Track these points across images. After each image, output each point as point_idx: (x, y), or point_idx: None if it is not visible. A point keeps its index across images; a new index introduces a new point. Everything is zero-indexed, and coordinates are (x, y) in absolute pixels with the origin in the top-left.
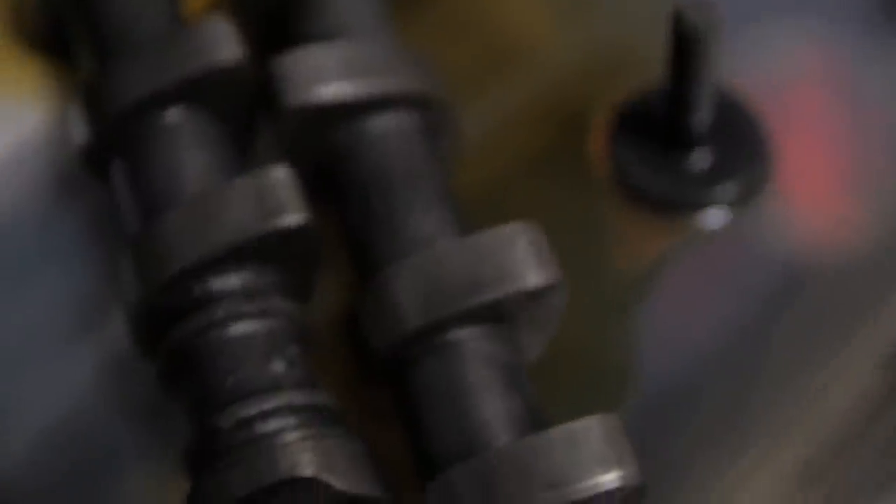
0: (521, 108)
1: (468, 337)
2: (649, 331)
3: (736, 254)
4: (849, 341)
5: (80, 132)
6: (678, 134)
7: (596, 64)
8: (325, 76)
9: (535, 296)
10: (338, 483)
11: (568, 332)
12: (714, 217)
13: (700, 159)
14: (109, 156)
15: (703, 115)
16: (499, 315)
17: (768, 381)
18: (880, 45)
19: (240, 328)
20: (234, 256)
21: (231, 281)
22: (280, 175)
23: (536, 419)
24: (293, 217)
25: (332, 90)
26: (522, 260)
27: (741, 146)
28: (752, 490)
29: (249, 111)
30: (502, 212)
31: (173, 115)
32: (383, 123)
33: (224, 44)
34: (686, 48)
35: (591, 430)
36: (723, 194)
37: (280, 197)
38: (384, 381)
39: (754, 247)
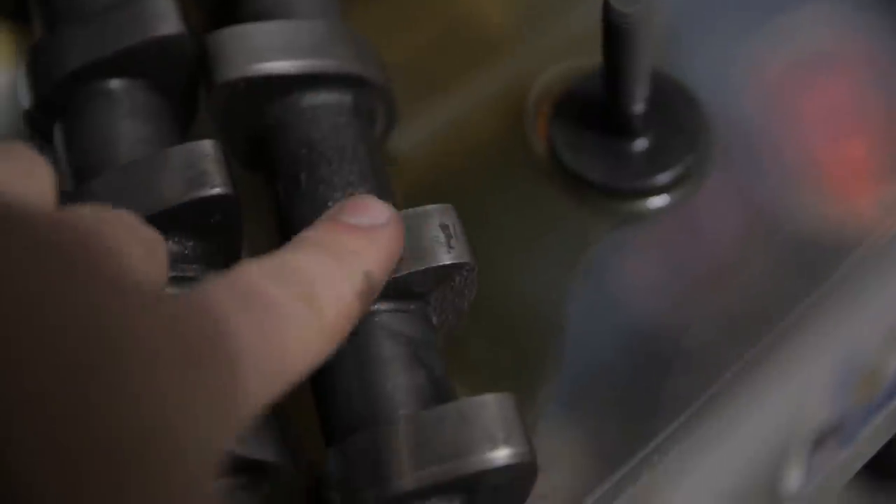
0: (471, 94)
1: (377, 311)
2: (582, 310)
3: (671, 239)
4: (774, 327)
5: (25, 96)
6: (616, 121)
7: (548, 52)
8: (258, 53)
9: (444, 274)
10: (237, 448)
11: (505, 308)
12: (651, 203)
13: (639, 146)
14: (52, 120)
15: (638, 103)
16: (409, 292)
17: (694, 363)
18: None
19: None
20: (156, 224)
21: None
22: (206, 148)
23: (440, 394)
24: (215, 189)
25: (264, 66)
26: (433, 239)
27: (681, 134)
28: (673, 460)
29: (191, 85)
30: (445, 193)
31: (113, 84)
32: (314, 101)
33: (165, 17)
34: (616, 37)
35: (483, 407)
36: (660, 181)
37: (204, 169)
38: None
39: (690, 232)
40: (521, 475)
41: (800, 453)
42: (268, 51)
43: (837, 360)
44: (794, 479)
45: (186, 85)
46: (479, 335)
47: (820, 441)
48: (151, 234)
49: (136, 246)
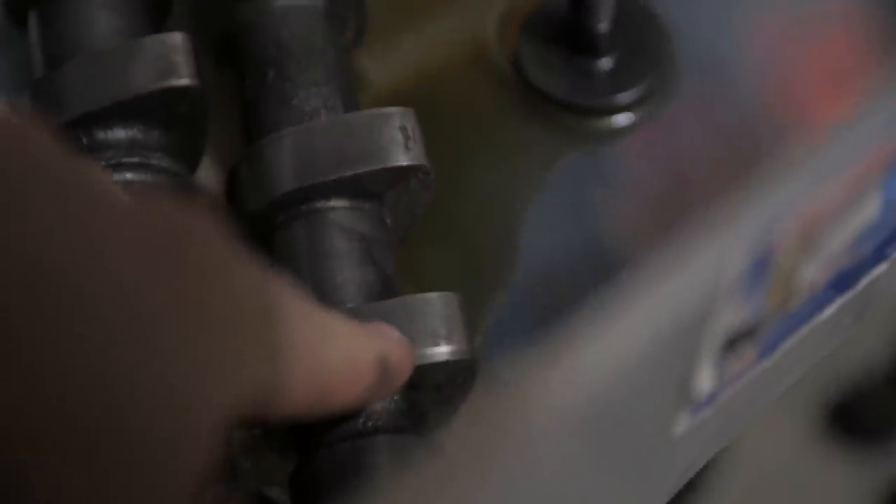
0: (443, 9)
1: (333, 207)
2: (538, 222)
3: (632, 156)
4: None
5: None
6: (582, 39)
7: None
8: None
9: (399, 175)
10: None
11: (463, 217)
12: (615, 121)
13: (604, 65)
14: (27, 6)
15: (603, 21)
16: (365, 191)
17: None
18: None
19: (117, 177)
20: (123, 111)
21: (116, 133)
22: (176, 40)
23: (388, 290)
24: (183, 80)
25: None
26: (390, 140)
27: (645, 52)
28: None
29: None
30: (411, 106)
31: None
32: (287, 1)
33: None
34: None
35: (428, 304)
36: (623, 99)
37: (173, 60)
38: (254, 243)
39: (651, 150)
40: (462, 373)
41: (709, 350)
42: None
43: (747, 253)
44: (704, 379)
45: None
46: (434, 242)
47: (733, 343)
48: None
49: None
